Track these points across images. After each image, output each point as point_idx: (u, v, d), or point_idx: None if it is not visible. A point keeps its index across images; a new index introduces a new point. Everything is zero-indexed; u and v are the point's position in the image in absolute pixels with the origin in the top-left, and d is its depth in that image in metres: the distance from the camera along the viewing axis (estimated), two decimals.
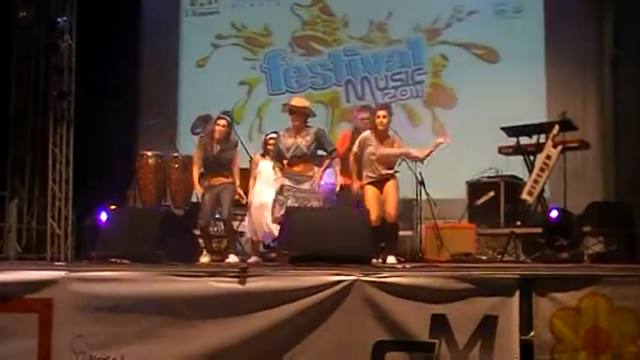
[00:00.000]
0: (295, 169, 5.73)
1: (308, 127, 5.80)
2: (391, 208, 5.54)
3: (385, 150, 5.62)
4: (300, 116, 5.75)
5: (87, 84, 8.44)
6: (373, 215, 5.41)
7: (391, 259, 5.50)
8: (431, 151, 5.60)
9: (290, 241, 4.89)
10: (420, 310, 3.76)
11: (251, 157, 6.69)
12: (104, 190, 7.88)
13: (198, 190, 6.12)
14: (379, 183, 5.63)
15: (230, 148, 6.16)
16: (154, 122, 7.77)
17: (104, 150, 8.51)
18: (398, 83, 9.00)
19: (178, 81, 9.66)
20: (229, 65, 9.50)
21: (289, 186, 5.68)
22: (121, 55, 8.97)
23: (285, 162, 5.81)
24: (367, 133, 5.67)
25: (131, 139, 9.01)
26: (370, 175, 5.64)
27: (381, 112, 5.63)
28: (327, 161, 5.78)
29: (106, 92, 8.54)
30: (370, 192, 5.61)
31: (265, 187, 6.08)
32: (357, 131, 6.01)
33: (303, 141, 5.72)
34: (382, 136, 5.63)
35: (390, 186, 5.59)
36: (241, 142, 6.98)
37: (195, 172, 6.18)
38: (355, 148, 5.69)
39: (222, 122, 6.14)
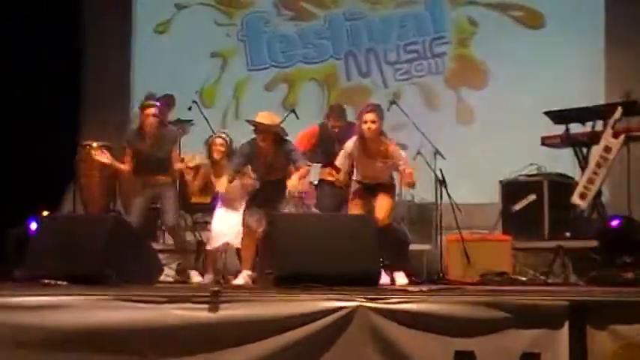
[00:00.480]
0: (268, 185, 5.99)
1: (281, 145, 5.87)
2: (381, 213, 5.66)
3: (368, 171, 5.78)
4: (268, 136, 5.80)
5: (10, 54, 8.39)
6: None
7: (401, 279, 5.52)
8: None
9: (274, 258, 4.89)
10: (441, 346, 3.76)
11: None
12: (34, 193, 7.86)
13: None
14: (370, 189, 5.75)
15: (167, 144, 6.26)
16: None
17: (34, 141, 8.47)
18: (413, 56, 9.01)
19: (132, 52, 9.64)
20: (197, 32, 9.50)
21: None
22: (57, 16, 8.93)
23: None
24: (351, 143, 5.79)
25: (70, 126, 8.98)
26: (359, 180, 5.82)
27: (368, 116, 5.69)
28: (302, 171, 5.87)
29: (35, 65, 8.49)
30: (357, 199, 5.80)
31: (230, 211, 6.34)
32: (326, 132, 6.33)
33: (274, 161, 5.88)
34: (370, 146, 5.71)
35: (384, 193, 5.76)
36: (212, 132, 7.01)
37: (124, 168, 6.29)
38: (340, 160, 5.86)
39: (150, 111, 6.18)
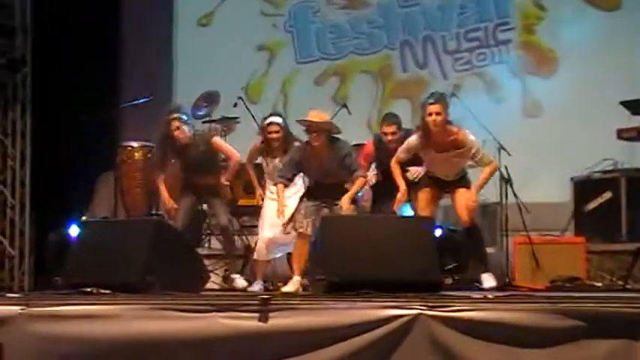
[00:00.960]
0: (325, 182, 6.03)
1: (332, 142, 5.97)
2: (465, 213, 5.71)
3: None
4: (321, 135, 5.90)
5: (49, 50, 8.56)
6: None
7: (489, 281, 5.65)
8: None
9: (326, 263, 4.90)
10: (509, 357, 3.74)
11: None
12: (74, 196, 8.00)
13: (168, 204, 6.38)
14: (442, 184, 5.71)
15: (202, 143, 6.36)
16: (145, 99, 7.82)
17: (74, 141, 8.62)
18: (474, 44, 8.94)
19: (174, 46, 9.76)
20: (242, 24, 9.56)
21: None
22: (97, 9, 9.08)
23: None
24: (415, 138, 5.82)
25: (111, 125, 9.12)
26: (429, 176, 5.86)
27: (433, 108, 5.71)
28: (357, 184, 5.94)
29: (75, 61, 8.64)
30: (423, 194, 5.82)
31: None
32: (381, 144, 6.30)
33: (329, 163, 5.95)
34: (437, 139, 5.73)
35: (463, 190, 5.78)
36: (260, 129, 7.05)
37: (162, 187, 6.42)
38: (401, 155, 5.89)
39: (175, 124, 6.30)
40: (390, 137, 6.21)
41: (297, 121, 6.10)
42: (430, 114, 5.70)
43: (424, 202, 5.92)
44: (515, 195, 6.55)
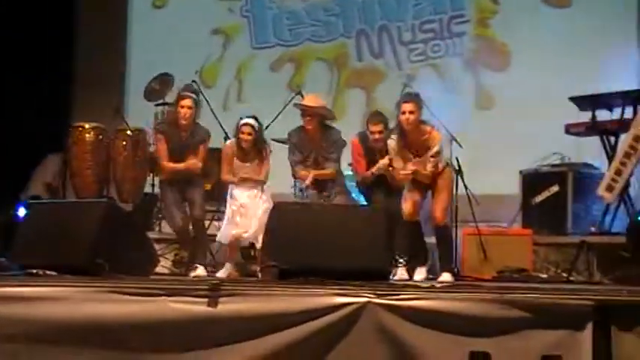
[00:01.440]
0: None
1: (326, 129, 6.25)
2: (437, 210, 5.86)
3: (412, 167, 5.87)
4: (314, 119, 6.15)
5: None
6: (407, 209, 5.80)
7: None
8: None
9: (278, 249, 4.90)
10: (455, 346, 3.77)
11: (226, 136, 6.74)
12: (22, 178, 7.89)
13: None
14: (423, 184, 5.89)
15: (201, 135, 6.35)
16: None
17: (22, 122, 8.50)
18: (429, 35, 8.99)
19: (129, 27, 9.65)
20: (198, 7, 9.50)
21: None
22: None
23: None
24: (393, 139, 5.93)
25: (61, 106, 9.01)
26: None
27: (406, 106, 5.78)
28: (326, 172, 6.28)
29: (25, 40, 8.50)
30: (409, 195, 5.93)
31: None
32: (366, 143, 6.34)
33: (321, 149, 6.21)
34: (411, 138, 5.83)
35: (445, 175, 5.87)
36: (214, 115, 7.03)
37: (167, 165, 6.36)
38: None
39: (187, 103, 6.28)
40: (377, 136, 6.24)
41: (294, 104, 6.36)
42: (404, 112, 5.78)
43: (411, 204, 5.94)
44: (465, 186, 6.61)
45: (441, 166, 5.92)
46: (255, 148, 6.26)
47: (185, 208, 6.43)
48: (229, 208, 6.28)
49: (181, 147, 6.33)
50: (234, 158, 6.28)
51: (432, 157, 5.86)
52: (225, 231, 6.26)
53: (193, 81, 7.76)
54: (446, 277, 5.78)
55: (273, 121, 6.98)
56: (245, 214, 6.19)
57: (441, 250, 6.12)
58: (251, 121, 6.27)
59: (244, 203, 6.20)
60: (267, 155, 6.32)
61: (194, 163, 6.31)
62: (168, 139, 6.34)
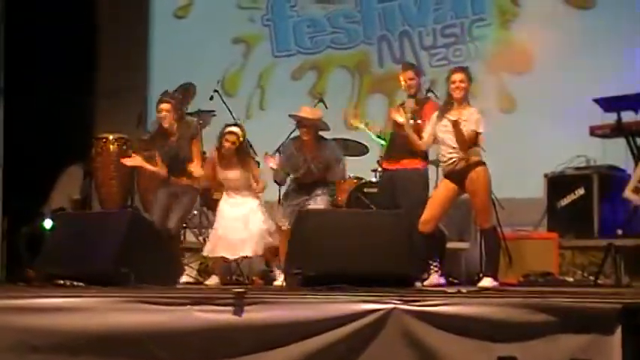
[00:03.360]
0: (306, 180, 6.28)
1: (321, 141, 6.27)
2: (479, 216, 5.71)
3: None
4: (311, 130, 6.22)
5: (23, 41, 8.48)
6: (428, 215, 5.60)
7: (485, 281, 5.57)
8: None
9: (302, 256, 4.90)
10: (481, 351, 3.77)
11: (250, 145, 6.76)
12: (47, 189, 7.94)
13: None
14: (457, 173, 5.66)
15: (187, 138, 6.31)
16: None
17: (47, 133, 8.56)
18: (450, 40, 8.96)
19: (150, 38, 9.70)
20: (219, 16, 9.53)
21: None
22: (71, 1, 9.01)
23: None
24: (435, 114, 5.86)
25: (85, 117, 9.07)
26: (442, 161, 5.77)
27: (457, 76, 5.78)
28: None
29: (50, 52, 8.57)
30: (441, 186, 5.75)
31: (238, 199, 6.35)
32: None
33: (315, 161, 6.20)
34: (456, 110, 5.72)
35: (476, 178, 5.64)
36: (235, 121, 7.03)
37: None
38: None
39: (163, 106, 6.30)
40: (408, 82, 6.29)
41: (290, 115, 6.37)
42: (454, 82, 5.76)
43: (440, 198, 5.78)
44: (491, 190, 6.57)
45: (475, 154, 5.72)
46: (236, 158, 6.25)
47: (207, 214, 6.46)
48: (216, 222, 6.34)
49: (174, 152, 6.29)
50: (217, 165, 6.31)
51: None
52: (209, 246, 6.31)
53: (215, 90, 7.80)
54: (486, 282, 5.59)
55: (295, 129, 6.98)
56: (233, 230, 6.20)
57: (485, 255, 5.99)
58: (235, 129, 6.29)
59: (234, 217, 6.23)
60: (254, 165, 6.38)
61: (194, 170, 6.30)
62: (159, 151, 6.33)
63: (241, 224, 6.21)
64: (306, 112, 6.35)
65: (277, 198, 6.85)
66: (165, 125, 6.27)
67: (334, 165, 6.26)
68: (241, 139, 6.25)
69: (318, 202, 6.20)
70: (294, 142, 6.36)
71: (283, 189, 6.61)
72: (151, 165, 6.41)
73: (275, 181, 6.55)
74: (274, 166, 6.35)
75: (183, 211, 6.37)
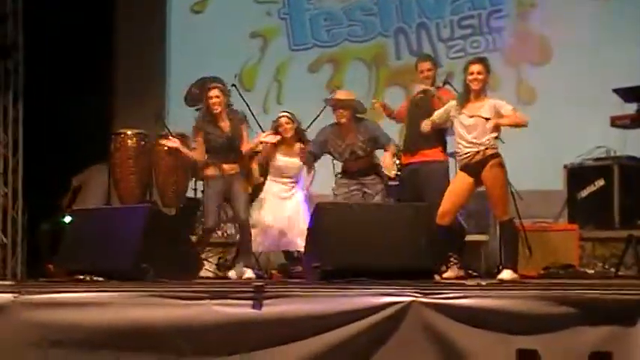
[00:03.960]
0: (353, 167, 6.27)
1: (358, 121, 6.26)
2: (497, 208, 5.62)
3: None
4: (346, 111, 6.21)
5: (40, 37, 8.52)
6: (445, 208, 5.54)
7: (505, 273, 5.47)
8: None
9: (321, 250, 4.90)
10: (501, 344, 3.75)
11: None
12: (67, 184, 7.99)
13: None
14: (473, 166, 5.62)
15: (237, 126, 6.33)
16: None
17: (66, 129, 8.61)
18: (468, 31, 8.92)
19: (168, 32, 9.72)
20: (236, 10, 9.53)
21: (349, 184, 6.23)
22: None
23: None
24: (454, 102, 5.81)
25: (104, 113, 9.11)
26: (458, 154, 5.69)
27: (475, 68, 5.73)
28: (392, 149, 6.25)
29: (67, 49, 8.61)
30: (458, 179, 5.68)
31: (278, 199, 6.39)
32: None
33: (357, 141, 6.19)
34: (474, 102, 5.68)
35: (492, 171, 5.56)
36: (253, 116, 7.03)
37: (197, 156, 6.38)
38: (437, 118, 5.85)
39: (214, 93, 6.30)
40: (425, 74, 6.35)
41: (325, 100, 6.54)
42: (472, 73, 5.71)
43: (457, 190, 5.68)
44: (508, 182, 6.54)
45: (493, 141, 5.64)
46: (223, 115, 6.30)
47: (225, 208, 6.43)
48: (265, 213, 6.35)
49: (224, 140, 6.29)
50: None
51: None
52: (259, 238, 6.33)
53: (233, 85, 7.81)
54: (505, 274, 5.47)
55: (313, 121, 6.97)
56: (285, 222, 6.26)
57: (504, 247, 5.98)
58: (286, 114, 6.39)
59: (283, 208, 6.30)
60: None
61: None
62: (207, 137, 6.30)
63: (292, 216, 6.26)
64: (341, 94, 6.41)
65: None
66: (218, 110, 6.25)
67: (378, 134, 6.25)
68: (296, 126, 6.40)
69: (371, 189, 6.21)
70: (331, 129, 6.34)
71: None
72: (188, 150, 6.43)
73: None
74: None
75: (246, 197, 6.34)
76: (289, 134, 6.37)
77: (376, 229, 4.92)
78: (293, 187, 6.40)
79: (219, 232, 7.36)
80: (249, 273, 6.16)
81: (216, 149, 6.28)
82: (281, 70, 9.37)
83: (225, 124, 6.30)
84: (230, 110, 6.42)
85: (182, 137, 7.01)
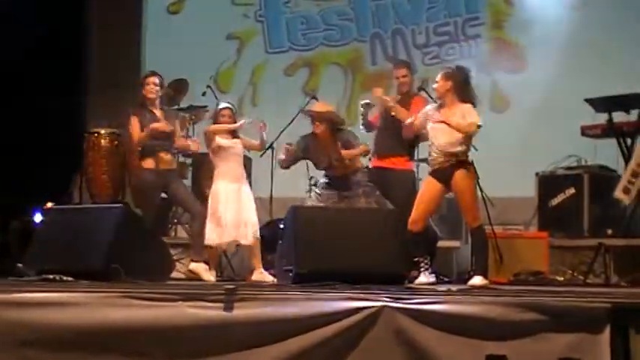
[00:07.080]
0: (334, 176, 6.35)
1: (337, 132, 6.34)
2: (468, 214, 5.61)
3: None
4: (322, 124, 6.27)
5: (7, 31, 8.44)
6: (416, 214, 5.50)
7: (475, 280, 5.50)
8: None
9: (294, 254, 4.91)
10: (471, 349, 3.77)
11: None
12: (38, 183, 7.92)
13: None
14: (443, 173, 5.63)
15: (173, 117, 6.44)
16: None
17: (37, 127, 8.53)
18: (444, 38, 8.98)
19: (143, 32, 9.68)
20: (212, 12, 9.51)
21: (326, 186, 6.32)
22: None
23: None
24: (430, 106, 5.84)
25: (76, 111, 9.04)
26: (430, 160, 5.71)
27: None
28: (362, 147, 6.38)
29: (37, 44, 8.53)
30: (428, 185, 5.67)
31: (234, 173, 6.18)
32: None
33: (333, 152, 6.24)
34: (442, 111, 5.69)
35: (462, 177, 5.56)
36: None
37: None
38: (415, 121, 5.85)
39: (152, 80, 6.34)
40: (401, 80, 6.45)
41: (302, 110, 6.55)
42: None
43: (427, 196, 5.66)
44: (480, 189, 6.56)
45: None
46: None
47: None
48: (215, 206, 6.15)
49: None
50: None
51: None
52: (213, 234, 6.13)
53: (208, 86, 7.79)
54: (476, 280, 5.49)
55: (288, 125, 6.98)
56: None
57: (474, 253, 5.97)
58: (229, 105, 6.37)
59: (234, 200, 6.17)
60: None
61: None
62: (142, 120, 6.25)
63: (241, 209, 6.09)
64: (317, 106, 6.45)
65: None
66: (153, 96, 6.26)
67: (351, 139, 6.33)
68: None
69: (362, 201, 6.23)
70: (311, 137, 6.38)
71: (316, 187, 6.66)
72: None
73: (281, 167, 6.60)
74: (283, 157, 6.38)
75: (188, 192, 6.54)
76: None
77: (349, 233, 4.93)
78: (241, 179, 6.26)
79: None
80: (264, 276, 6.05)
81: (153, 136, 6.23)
82: (257, 72, 9.37)
83: (159, 113, 6.31)
84: (167, 109, 6.51)
85: (116, 135, 7.01)
